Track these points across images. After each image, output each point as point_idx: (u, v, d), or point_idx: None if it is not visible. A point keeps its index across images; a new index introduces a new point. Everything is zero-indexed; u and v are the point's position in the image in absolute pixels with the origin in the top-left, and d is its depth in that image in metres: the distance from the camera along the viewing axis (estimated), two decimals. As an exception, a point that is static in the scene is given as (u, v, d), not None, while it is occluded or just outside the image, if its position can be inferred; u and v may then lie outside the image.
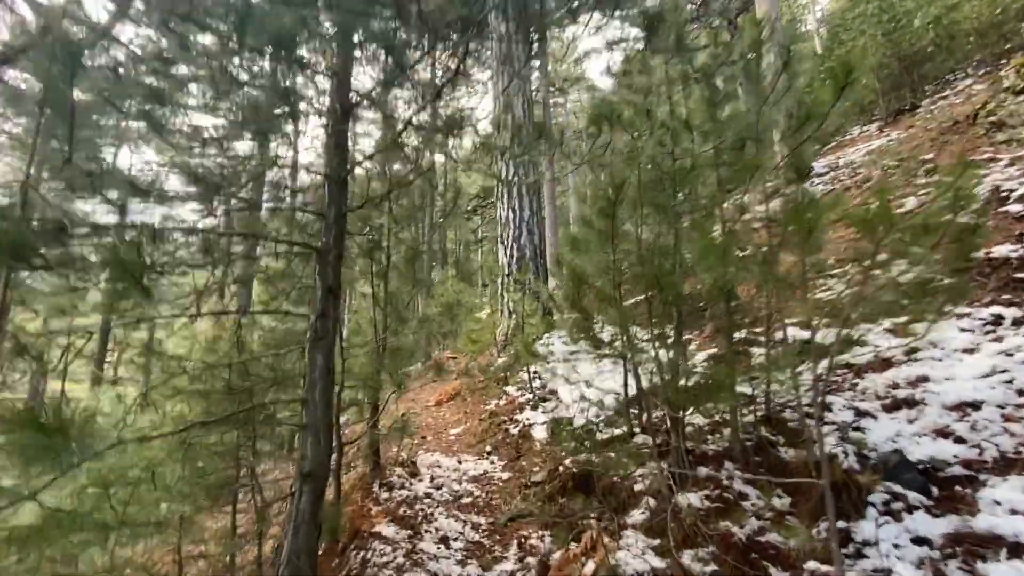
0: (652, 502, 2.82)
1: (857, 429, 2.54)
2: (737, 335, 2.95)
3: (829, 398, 2.83)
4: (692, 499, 2.59)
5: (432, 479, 4.18)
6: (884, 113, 11.74)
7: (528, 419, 4.98)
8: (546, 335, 6.96)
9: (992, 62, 10.91)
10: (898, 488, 2.18)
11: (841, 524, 2.10)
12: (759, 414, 2.86)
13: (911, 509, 2.11)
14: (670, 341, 3.08)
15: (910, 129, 9.82)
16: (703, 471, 2.74)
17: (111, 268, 1.47)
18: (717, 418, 3.21)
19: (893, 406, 2.66)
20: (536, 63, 12.11)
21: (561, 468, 3.74)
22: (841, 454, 2.35)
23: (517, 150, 3.08)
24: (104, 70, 2.11)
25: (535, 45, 11.74)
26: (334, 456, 3.48)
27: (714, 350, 4.39)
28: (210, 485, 3.07)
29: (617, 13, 12.90)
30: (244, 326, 3.22)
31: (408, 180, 3.01)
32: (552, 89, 17.61)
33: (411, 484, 4.04)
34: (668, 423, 3.13)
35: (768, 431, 2.76)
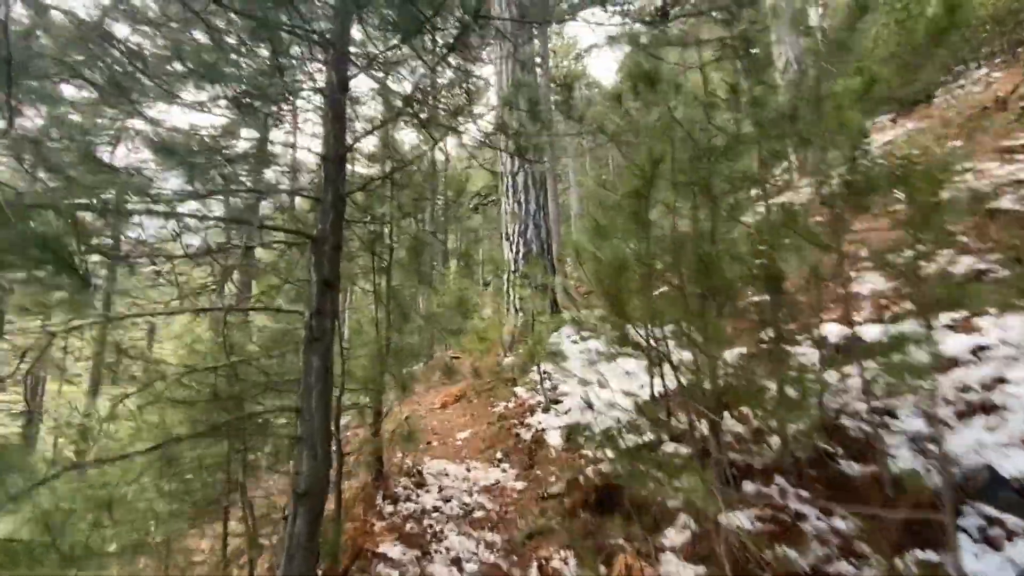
0: (692, 522, 2.50)
1: (932, 440, 2.22)
2: (771, 333, 2.64)
3: (891, 402, 2.51)
4: (741, 519, 2.27)
5: (440, 489, 3.86)
6: (897, 104, 11.40)
7: (540, 423, 4.66)
8: (554, 333, 6.63)
9: (1009, 50, 10.59)
10: (992, 510, 1.87)
11: (930, 555, 1.79)
12: (811, 421, 2.53)
13: (1011, 536, 1.79)
14: (707, 337, 2.77)
15: (927, 119, 9.49)
16: (750, 487, 2.42)
17: (33, 248, 1.16)
18: (758, 425, 2.90)
19: (967, 412, 2.35)
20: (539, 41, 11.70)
21: (581, 479, 3.42)
22: (922, 469, 2.03)
23: (533, 128, 2.76)
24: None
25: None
26: (333, 468, 3.16)
27: (742, 349, 4.07)
28: (196, 503, 2.76)
29: (618, 8, 12.54)
30: (233, 325, 2.90)
31: (412, 160, 2.70)
32: (553, 86, 17.31)
33: (417, 496, 3.72)
34: (704, 430, 2.82)
35: (824, 441, 2.44)
